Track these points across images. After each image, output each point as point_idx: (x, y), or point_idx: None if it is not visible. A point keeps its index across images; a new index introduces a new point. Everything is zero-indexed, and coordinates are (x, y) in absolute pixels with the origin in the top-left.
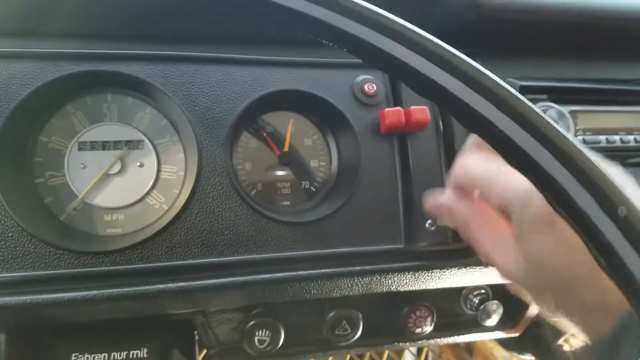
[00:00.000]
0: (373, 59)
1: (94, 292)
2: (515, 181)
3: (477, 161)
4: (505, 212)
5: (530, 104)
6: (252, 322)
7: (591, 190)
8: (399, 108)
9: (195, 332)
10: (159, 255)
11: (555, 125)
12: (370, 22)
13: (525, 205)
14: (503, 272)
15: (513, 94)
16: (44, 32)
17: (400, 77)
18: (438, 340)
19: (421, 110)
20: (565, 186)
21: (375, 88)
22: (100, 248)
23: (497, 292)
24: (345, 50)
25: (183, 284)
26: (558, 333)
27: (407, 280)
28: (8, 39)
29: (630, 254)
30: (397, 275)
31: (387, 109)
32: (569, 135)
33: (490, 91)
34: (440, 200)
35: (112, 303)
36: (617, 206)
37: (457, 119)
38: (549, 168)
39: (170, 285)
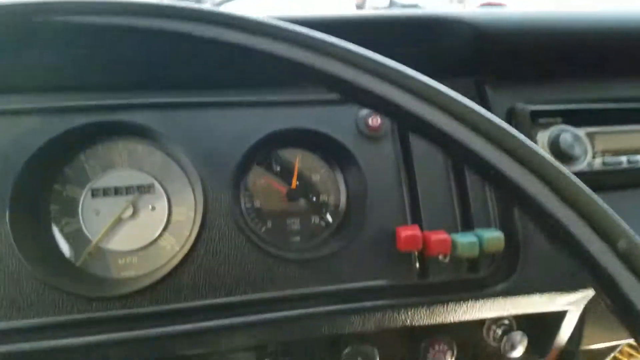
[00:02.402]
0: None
1: (105, 336)
2: None
3: None
4: None
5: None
6: None
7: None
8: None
9: None
10: (168, 298)
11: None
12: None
13: None
14: None
15: (515, 137)
16: (51, 87)
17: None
18: None
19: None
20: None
21: (379, 121)
22: (112, 292)
23: (521, 322)
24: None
25: (191, 325)
26: None
27: (422, 315)
28: (17, 95)
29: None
30: (411, 310)
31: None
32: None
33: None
34: None
35: (123, 347)
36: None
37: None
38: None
39: (179, 327)
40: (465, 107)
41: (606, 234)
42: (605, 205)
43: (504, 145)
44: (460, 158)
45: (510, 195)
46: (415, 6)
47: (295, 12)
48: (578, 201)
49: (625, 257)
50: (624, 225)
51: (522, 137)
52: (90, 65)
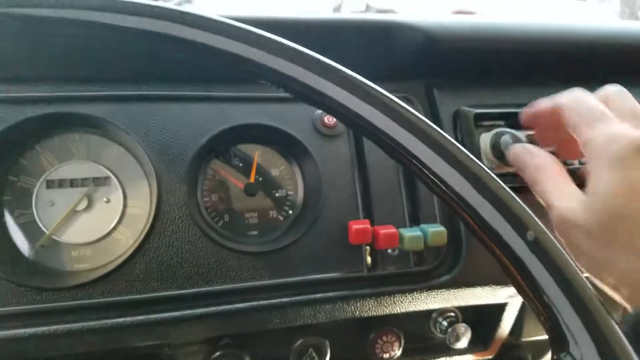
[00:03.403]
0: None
1: (55, 327)
2: (614, 126)
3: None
4: (586, 144)
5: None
6: (216, 354)
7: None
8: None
9: None
10: (119, 290)
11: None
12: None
13: (611, 142)
14: (559, 211)
15: (433, 129)
16: (7, 78)
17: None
18: None
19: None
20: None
21: (334, 120)
22: (64, 284)
23: (465, 314)
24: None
25: (141, 317)
26: (538, 354)
27: (370, 306)
28: None
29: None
30: (360, 301)
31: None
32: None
33: (411, 124)
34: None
35: (73, 338)
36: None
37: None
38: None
39: (129, 319)
40: (382, 95)
41: (517, 226)
42: (518, 200)
43: (429, 141)
44: (382, 146)
45: (435, 188)
46: (390, 12)
47: (249, 12)
48: (494, 195)
49: (533, 246)
50: (533, 217)
51: (448, 137)
52: (46, 57)
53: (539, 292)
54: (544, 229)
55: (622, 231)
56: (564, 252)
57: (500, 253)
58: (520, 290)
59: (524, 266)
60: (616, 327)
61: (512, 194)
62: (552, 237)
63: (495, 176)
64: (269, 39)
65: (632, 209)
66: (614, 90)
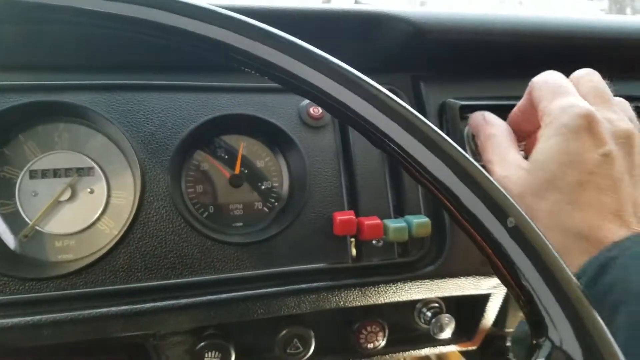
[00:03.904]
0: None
1: (38, 317)
2: (571, 98)
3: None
4: (543, 115)
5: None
6: (201, 344)
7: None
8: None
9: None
10: (103, 280)
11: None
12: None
13: (563, 112)
14: (497, 179)
15: (416, 117)
16: None
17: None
18: (394, 355)
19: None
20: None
21: (320, 111)
22: (47, 274)
23: (449, 305)
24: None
25: (125, 307)
26: None
27: (355, 296)
28: None
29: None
30: (344, 291)
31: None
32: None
33: (393, 111)
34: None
35: (57, 328)
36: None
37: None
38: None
39: (113, 309)
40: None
41: (498, 212)
42: (499, 187)
43: (413, 131)
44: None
45: (417, 176)
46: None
47: (237, 2)
48: (475, 182)
49: (512, 232)
50: (514, 204)
51: (430, 124)
52: (29, 45)
53: (518, 278)
54: (525, 215)
55: (549, 199)
56: (544, 238)
57: (481, 239)
58: (500, 276)
59: (504, 252)
60: (594, 312)
61: (493, 180)
62: (532, 224)
63: (476, 163)
64: (247, 23)
65: (562, 179)
66: (584, 72)
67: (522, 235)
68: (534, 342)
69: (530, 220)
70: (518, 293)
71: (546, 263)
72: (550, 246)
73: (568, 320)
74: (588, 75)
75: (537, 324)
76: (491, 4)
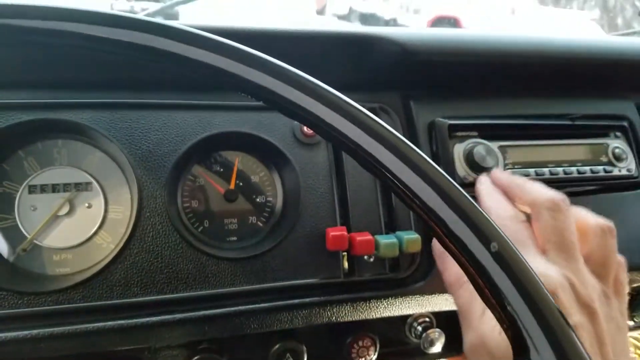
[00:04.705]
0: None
1: (36, 331)
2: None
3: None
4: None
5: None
6: (195, 358)
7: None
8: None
9: None
10: (100, 294)
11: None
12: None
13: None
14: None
15: (408, 146)
16: None
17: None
18: None
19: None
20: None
21: None
22: (45, 288)
23: (440, 320)
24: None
25: (121, 322)
26: None
27: (347, 311)
28: None
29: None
30: (336, 306)
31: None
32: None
33: (386, 141)
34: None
35: (54, 342)
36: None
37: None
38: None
39: (109, 323)
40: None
41: (482, 237)
42: (484, 213)
43: (401, 155)
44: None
45: (406, 200)
46: (373, 15)
47: (230, 24)
48: (461, 208)
49: (495, 256)
50: (498, 229)
51: (417, 150)
52: (29, 63)
53: (501, 300)
54: (508, 240)
55: None
56: (526, 263)
57: (465, 262)
58: (483, 298)
59: (488, 275)
60: (574, 336)
61: (478, 207)
62: (514, 249)
63: (462, 190)
64: (244, 51)
65: None
66: (546, 200)
67: (505, 259)
68: None
69: (513, 245)
70: (501, 315)
71: (527, 288)
72: (532, 271)
73: (549, 344)
74: (551, 211)
75: (519, 347)
76: (484, 10)
